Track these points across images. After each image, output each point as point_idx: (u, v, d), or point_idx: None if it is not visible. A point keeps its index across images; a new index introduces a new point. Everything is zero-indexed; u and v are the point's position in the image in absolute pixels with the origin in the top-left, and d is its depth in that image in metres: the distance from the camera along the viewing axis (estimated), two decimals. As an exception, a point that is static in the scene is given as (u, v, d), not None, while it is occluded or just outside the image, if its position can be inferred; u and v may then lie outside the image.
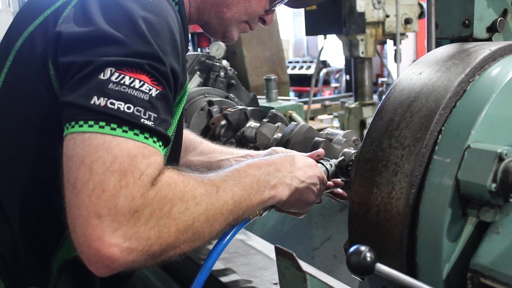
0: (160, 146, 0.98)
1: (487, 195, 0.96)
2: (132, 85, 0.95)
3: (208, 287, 2.08)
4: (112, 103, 0.93)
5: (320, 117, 6.78)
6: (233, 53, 5.53)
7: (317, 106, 6.71)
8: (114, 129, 0.92)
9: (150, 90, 0.97)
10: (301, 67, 11.19)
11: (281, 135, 1.83)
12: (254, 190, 1.14)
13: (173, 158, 1.30)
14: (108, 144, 0.91)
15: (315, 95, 9.06)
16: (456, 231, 1.02)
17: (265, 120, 2.01)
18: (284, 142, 1.75)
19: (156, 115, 0.98)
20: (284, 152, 1.45)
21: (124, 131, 0.93)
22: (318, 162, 1.43)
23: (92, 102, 0.93)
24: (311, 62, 11.32)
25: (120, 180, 0.89)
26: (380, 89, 5.84)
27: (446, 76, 1.12)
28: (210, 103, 2.24)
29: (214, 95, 2.37)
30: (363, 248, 0.89)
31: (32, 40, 1.11)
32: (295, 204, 1.28)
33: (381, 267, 0.88)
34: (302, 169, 1.28)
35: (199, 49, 5.52)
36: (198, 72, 2.37)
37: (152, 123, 0.96)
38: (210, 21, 1.35)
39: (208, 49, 5.28)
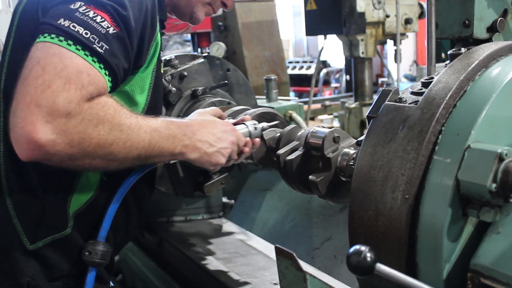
0: (106, 74, 1.19)
1: (487, 195, 0.96)
2: (94, 18, 1.18)
3: (208, 287, 2.08)
4: (74, 26, 1.16)
5: (320, 117, 6.78)
6: (233, 53, 5.53)
7: (317, 106, 6.71)
8: (69, 45, 1.14)
9: (108, 27, 1.20)
10: (301, 67, 11.19)
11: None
12: (170, 142, 1.33)
13: (152, 106, 1.49)
14: (62, 55, 1.12)
15: (315, 95, 9.05)
16: (456, 231, 1.02)
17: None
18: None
19: (108, 47, 1.18)
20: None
21: (77, 48, 1.14)
22: (242, 123, 1.64)
23: (58, 22, 1.16)
24: (311, 62, 11.31)
25: (64, 84, 1.10)
26: (380, 89, 5.83)
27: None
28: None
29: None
30: (363, 248, 0.89)
31: (29, 1, 1.36)
32: (204, 164, 1.46)
33: (381, 267, 0.88)
34: (216, 134, 1.46)
35: (199, 49, 5.51)
36: None
37: (103, 51, 1.17)
38: (179, 3, 1.60)
39: (208, 49, 5.28)
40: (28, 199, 1.37)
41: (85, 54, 1.15)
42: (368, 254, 0.88)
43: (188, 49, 7.73)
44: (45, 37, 1.15)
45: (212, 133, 1.45)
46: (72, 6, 1.18)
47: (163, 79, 2.21)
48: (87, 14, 1.18)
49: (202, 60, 2.41)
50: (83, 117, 1.12)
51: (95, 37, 1.17)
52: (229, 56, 5.40)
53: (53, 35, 1.14)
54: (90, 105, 1.14)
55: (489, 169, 0.95)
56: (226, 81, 2.40)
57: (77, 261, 1.44)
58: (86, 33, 1.16)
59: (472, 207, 1.00)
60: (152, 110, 1.49)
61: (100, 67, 1.17)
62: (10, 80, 1.37)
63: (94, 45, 1.16)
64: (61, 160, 1.14)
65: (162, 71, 1.59)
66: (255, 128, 1.68)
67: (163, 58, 2.33)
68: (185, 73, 2.30)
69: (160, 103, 1.60)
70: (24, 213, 1.37)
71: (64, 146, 1.11)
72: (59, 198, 1.39)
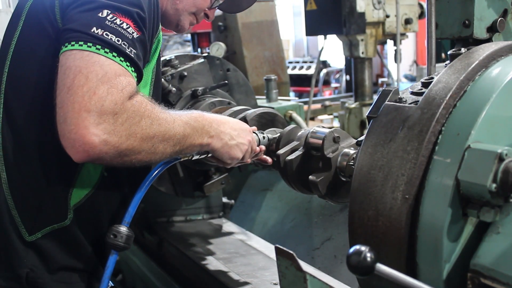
0: (135, 76, 1.30)
1: (487, 195, 0.96)
2: (121, 25, 1.27)
3: (208, 287, 2.08)
4: (107, 34, 1.24)
5: (320, 117, 6.78)
6: (233, 53, 5.53)
7: (317, 106, 6.71)
8: (107, 52, 1.23)
9: (133, 32, 1.29)
10: (301, 67, 11.18)
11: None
12: (198, 133, 1.42)
13: (155, 99, 1.54)
14: (102, 62, 1.21)
15: (315, 95, 9.05)
16: (456, 231, 1.02)
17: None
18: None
19: (135, 51, 1.29)
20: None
21: (113, 55, 1.23)
22: (253, 132, 1.75)
23: (92, 30, 1.23)
24: (311, 62, 11.31)
25: (108, 89, 1.19)
26: (380, 89, 5.82)
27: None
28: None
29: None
30: (363, 248, 0.89)
31: None
32: (223, 155, 1.56)
33: (381, 267, 0.88)
34: (237, 130, 1.58)
35: (199, 49, 5.51)
36: None
37: (133, 56, 1.28)
38: (167, 11, 1.66)
39: (208, 49, 5.27)
40: (28, 191, 1.40)
41: (120, 60, 1.24)
42: (368, 254, 0.88)
43: (188, 49, 7.72)
44: (80, 45, 1.22)
45: (234, 128, 1.57)
46: (100, 15, 1.25)
47: (163, 79, 2.21)
48: (115, 22, 1.26)
49: (202, 60, 2.41)
50: (128, 115, 1.21)
51: (126, 43, 1.26)
52: (229, 56, 5.39)
53: (89, 44, 1.22)
54: (131, 103, 1.23)
55: (489, 169, 0.95)
56: (226, 81, 2.40)
57: (76, 254, 1.47)
58: (118, 40, 1.25)
59: (472, 207, 1.00)
60: (156, 91, 1.57)
61: (132, 70, 1.28)
62: (14, 70, 1.40)
63: (126, 51, 1.26)
64: (112, 157, 1.22)
65: (161, 67, 1.67)
66: (263, 137, 1.80)
67: (162, 58, 2.34)
68: (185, 73, 2.30)
69: (160, 96, 1.68)
70: (23, 204, 1.39)
71: (114, 143, 1.19)
72: (60, 191, 1.41)
